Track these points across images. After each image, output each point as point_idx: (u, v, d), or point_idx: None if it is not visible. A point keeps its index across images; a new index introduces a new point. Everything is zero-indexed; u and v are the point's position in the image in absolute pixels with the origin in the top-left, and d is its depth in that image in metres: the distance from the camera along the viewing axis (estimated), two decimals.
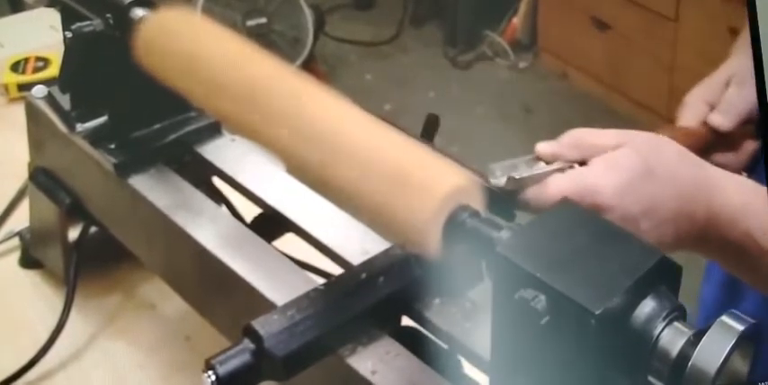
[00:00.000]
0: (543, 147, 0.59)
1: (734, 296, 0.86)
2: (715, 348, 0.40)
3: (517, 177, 0.56)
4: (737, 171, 0.76)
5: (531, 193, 0.56)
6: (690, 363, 0.41)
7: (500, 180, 0.56)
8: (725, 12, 2.09)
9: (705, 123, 0.75)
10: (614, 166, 0.56)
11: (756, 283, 0.59)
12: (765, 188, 0.58)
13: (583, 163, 0.58)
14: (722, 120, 0.74)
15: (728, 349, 0.40)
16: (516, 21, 2.97)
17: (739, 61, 0.78)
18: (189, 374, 0.82)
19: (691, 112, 0.76)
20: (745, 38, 0.79)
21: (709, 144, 0.75)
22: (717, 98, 0.76)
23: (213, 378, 0.49)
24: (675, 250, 0.58)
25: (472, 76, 2.96)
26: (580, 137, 0.59)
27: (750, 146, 0.76)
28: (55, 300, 0.87)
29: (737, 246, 0.56)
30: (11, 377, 0.80)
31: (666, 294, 0.43)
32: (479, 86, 2.86)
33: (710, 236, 0.57)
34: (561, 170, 0.57)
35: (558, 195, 0.55)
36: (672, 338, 0.42)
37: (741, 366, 0.42)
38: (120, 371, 0.84)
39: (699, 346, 0.41)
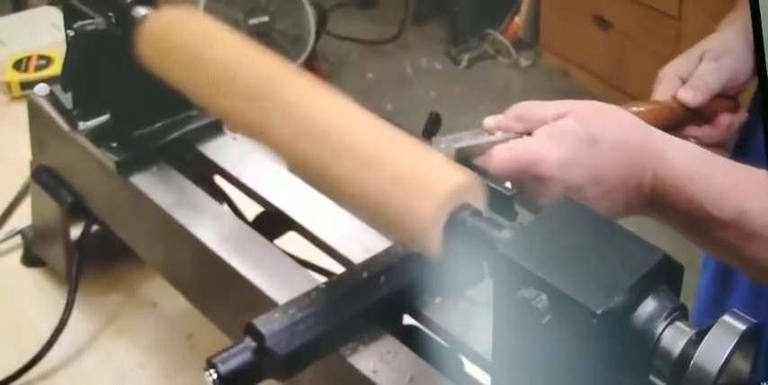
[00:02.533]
0: (489, 121, 0.60)
1: (726, 286, 0.87)
2: (717, 348, 0.40)
3: (455, 147, 0.56)
4: (714, 144, 0.76)
5: (480, 163, 0.57)
6: (692, 363, 0.41)
7: (442, 151, 0.56)
8: (727, 10, 2.09)
9: (676, 98, 0.75)
10: (557, 137, 0.56)
11: (712, 250, 0.59)
12: (714, 155, 0.58)
13: (529, 134, 0.58)
14: (692, 95, 0.74)
15: (730, 349, 0.40)
16: (518, 19, 2.97)
17: (716, 37, 0.78)
18: (190, 373, 0.82)
19: (664, 87, 0.76)
20: (730, 16, 0.80)
21: (681, 118, 0.74)
22: (690, 72, 0.76)
23: (215, 376, 0.49)
24: (629, 216, 0.58)
25: (474, 74, 2.96)
26: (525, 108, 0.59)
27: (725, 119, 0.76)
28: (57, 299, 0.87)
29: (685, 213, 0.56)
30: (13, 375, 0.80)
31: (668, 294, 0.43)
32: (481, 85, 2.86)
33: (659, 203, 0.57)
34: (506, 141, 0.58)
35: (502, 166, 0.57)
36: (673, 338, 0.42)
37: (743, 365, 0.42)
38: (122, 370, 0.84)
39: (701, 346, 0.41)
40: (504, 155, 0.57)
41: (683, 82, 0.75)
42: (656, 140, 0.57)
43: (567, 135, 0.56)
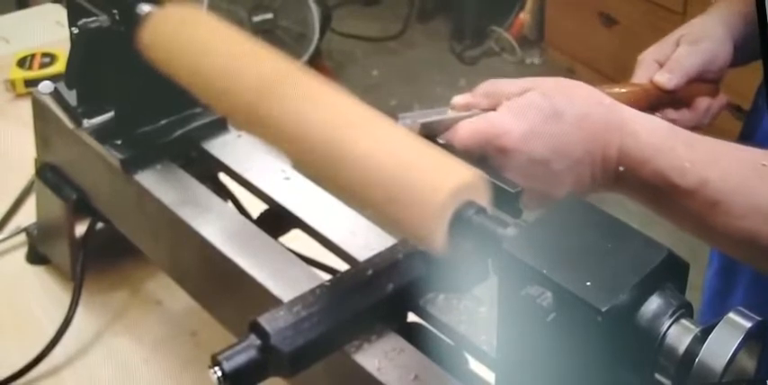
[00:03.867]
0: (457, 99, 0.61)
1: (729, 280, 0.87)
2: (722, 345, 0.40)
3: (420, 122, 0.57)
4: (692, 128, 0.76)
5: (443, 139, 0.58)
6: (697, 360, 0.41)
7: (407, 126, 0.58)
8: None
9: (652, 81, 0.75)
10: (521, 110, 0.57)
11: (678, 222, 0.59)
12: (678, 128, 0.59)
13: (494, 110, 0.59)
14: (667, 78, 0.74)
15: (736, 346, 0.40)
16: (523, 16, 2.96)
17: (695, 22, 0.78)
18: (195, 370, 0.82)
19: (642, 71, 0.77)
20: (716, 4, 0.80)
21: (657, 101, 0.75)
22: (667, 57, 0.76)
23: (219, 374, 0.49)
24: (597, 192, 0.59)
25: (479, 71, 2.95)
26: (492, 85, 0.61)
27: (704, 103, 0.76)
28: (62, 296, 0.87)
29: (651, 185, 0.57)
30: (18, 372, 0.80)
31: (673, 291, 0.43)
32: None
33: (625, 177, 0.58)
34: (471, 116, 0.59)
35: (466, 139, 0.58)
36: (679, 335, 0.42)
37: (748, 363, 0.42)
38: (127, 367, 0.84)
39: (706, 343, 0.41)
40: (467, 128, 0.58)
41: (661, 66, 0.76)
42: (621, 114, 0.58)
43: (531, 109, 0.57)
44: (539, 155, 0.56)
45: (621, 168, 0.57)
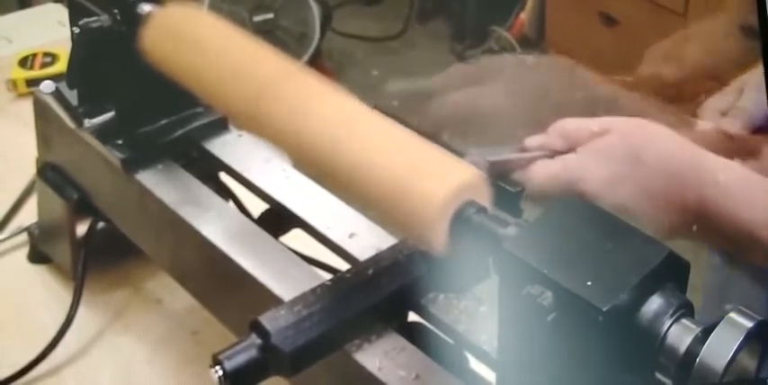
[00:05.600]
0: (531, 140, 0.59)
1: (728, 278, 0.86)
2: (723, 345, 0.40)
3: (489, 160, 0.56)
4: None
5: (518, 179, 0.56)
6: (698, 360, 0.41)
7: (474, 163, 0.56)
8: (732, 6, 2.07)
9: (718, 129, 0.74)
10: (600, 154, 0.56)
11: (757, 260, 0.59)
12: (755, 174, 0.58)
13: (568, 152, 0.58)
14: (732, 124, 0.73)
15: (737, 346, 0.40)
16: (524, 16, 2.96)
17: (754, 70, 0.77)
18: (196, 369, 0.83)
19: (706, 121, 0.75)
20: None
21: (723, 149, 0.74)
22: (731, 105, 0.75)
23: (220, 373, 0.49)
24: (674, 237, 0.58)
25: None
26: (566, 126, 0.59)
27: None
28: (63, 296, 0.88)
29: (731, 236, 0.56)
30: (20, 371, 0.80)
31: (674, 291, 0.43)
32: None
33: (704, 221, 0.57)
34: (543, 157, 0.57)
35: (545, 182, 0.56)
36: (679, 335, 0.42)
37: (749, 363, 0.42)
38: (128, 366, 0.84)
39: (707, 343, 0.41)
40: (544, 171, 0.57)
41: (724, 114, 0.74)
42: (701, 155, 0.57)
43: (610, 152, 0.56)
44: (621, 201, 0.55)
45: (695, 227, 0.56)
